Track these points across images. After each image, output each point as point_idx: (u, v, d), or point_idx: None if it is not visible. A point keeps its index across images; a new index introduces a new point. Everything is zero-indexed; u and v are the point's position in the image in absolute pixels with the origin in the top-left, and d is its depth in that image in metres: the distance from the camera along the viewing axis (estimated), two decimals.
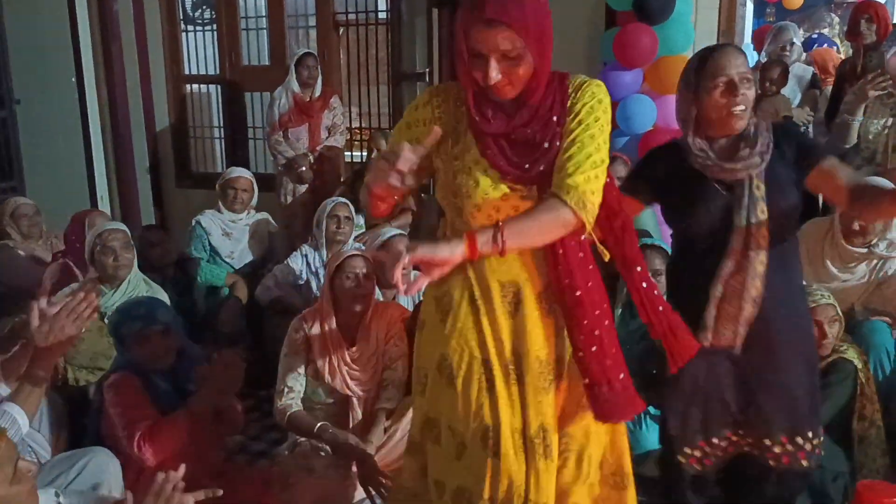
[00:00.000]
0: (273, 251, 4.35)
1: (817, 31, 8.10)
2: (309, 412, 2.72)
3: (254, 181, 4.36)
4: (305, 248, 3.78)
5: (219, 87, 6.18)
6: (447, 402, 1.77)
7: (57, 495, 1.77)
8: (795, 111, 4.45)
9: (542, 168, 1.62)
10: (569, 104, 1.62)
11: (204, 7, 6.22)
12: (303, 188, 4.97)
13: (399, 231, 3.56)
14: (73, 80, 5.71)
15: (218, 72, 6.11)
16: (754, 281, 1.94)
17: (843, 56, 6.06)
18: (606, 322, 1.69)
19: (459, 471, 1.77)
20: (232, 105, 6.12)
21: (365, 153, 5.93)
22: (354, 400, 2.76)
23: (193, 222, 4.21)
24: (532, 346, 1.70)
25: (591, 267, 1.67)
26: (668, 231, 2.21)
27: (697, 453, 2.11)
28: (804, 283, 2.33)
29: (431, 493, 1.85)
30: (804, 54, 5.47)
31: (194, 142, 6.33)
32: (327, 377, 2.73)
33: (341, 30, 5.96)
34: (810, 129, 4.50)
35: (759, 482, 2.11)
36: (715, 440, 2.10)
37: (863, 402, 2.56)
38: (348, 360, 2.74)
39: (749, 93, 1.93)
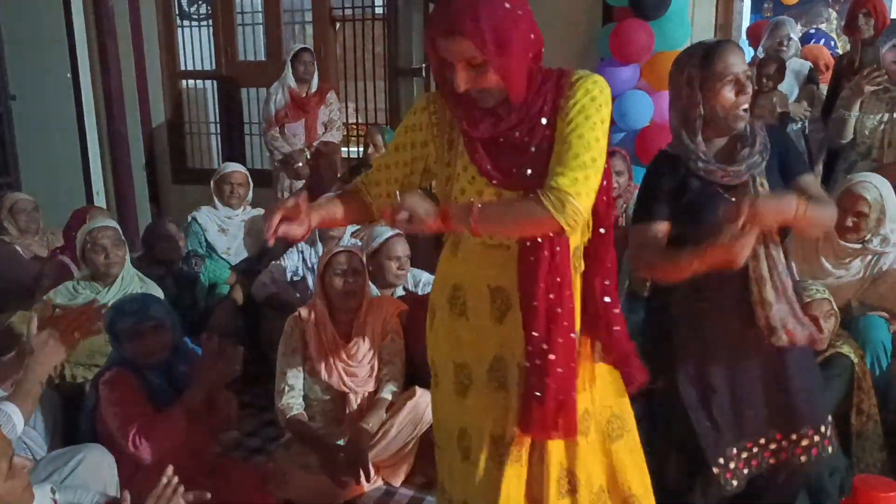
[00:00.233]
0: (269, 247, 4.32)
1: (815, 27, 8.09)
2: (306, 409, 2.72)
3: (248, 175, 4.34)
4: (301, 245, 3.76)
5: (215, 82, 6.17)
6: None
7: (52, 492, 1.77)
8: (792, 106, 4.42)
9: (529, 172, 1.57)
10: (562, 102, 1.57)
11: (200, 2, 6.21)
12: (299, 184, 4.94)
13: (396, 231, 3.54)
14: (69, 75, 5.71)
15: (214, 67, 6.10)
16: (780, 276, 1.91)
17: (840, 52, 6.06)
18: (560, 340, 1.60)
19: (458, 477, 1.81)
20: (228, 100, 6.11)
21: (361, 149, 5.92)
22: (351, 396, 2.75)
23: (189, 218, 4.19)
24: (517, 352, 1.68)
25: (559, 279, 1.59)
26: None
27: (732, 464, 2.03)
28: (798, 278, 2.33)
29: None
30: (801, 49, 5.45)
31: (190, 137, 6.32)
32: (324, 374, 2.72)
33: (337, 25, 5.96)
34: (807, 125, 4.50)
35: (788, 482, 2.10)
36: (749, 444, 2.05)
37: (860, 396, 2.56)
38: (344, 356, 2.73)
39: (750, 91, 1.91)
